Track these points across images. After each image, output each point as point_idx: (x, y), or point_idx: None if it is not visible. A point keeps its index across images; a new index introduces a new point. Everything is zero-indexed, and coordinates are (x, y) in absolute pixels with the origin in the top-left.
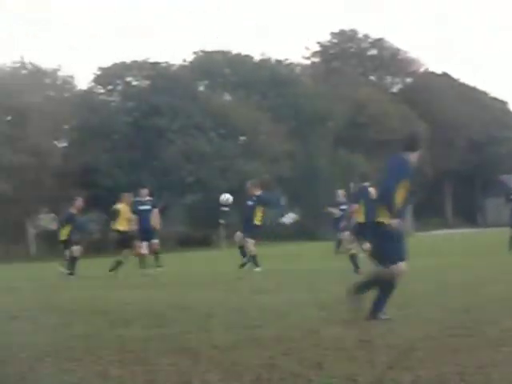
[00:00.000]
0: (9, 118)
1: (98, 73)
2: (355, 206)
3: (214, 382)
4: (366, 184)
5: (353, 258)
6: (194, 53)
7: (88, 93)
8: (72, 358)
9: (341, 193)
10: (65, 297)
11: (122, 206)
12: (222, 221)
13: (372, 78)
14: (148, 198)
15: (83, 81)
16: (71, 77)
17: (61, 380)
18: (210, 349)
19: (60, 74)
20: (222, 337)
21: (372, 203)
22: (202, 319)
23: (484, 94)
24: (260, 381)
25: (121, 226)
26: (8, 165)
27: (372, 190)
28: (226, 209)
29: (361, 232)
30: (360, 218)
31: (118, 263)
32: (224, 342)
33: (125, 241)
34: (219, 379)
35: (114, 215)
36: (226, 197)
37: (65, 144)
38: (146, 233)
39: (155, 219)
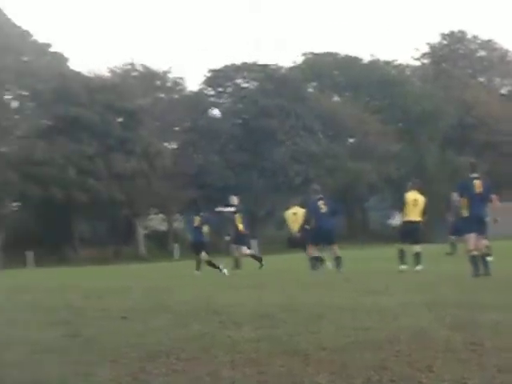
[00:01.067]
0: (120, 119)
1: (209, 75)
2: (460, 200)
3: (324, 383)
4: (474, 175)
5: (474, 259)
6: (303, 55)
7: (198, 95)
8: (183, 358)
9: (455, 195)
10: (174, 297)
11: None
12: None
13: (481, 79)
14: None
15: (193, 83)
16: (181, 79)
17: (172, 380)
18: (319, 350)
19: (170, 75)
20: (331, 338)
21: (477, 197)
22: (311, 320)
23: None
24: (370, 383)
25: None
26: (121, 171)
27: (477, 183)
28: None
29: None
30: (464, 212)
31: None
32: (334, 343)
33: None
34: (329, 381)
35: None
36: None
37: (175, 146)
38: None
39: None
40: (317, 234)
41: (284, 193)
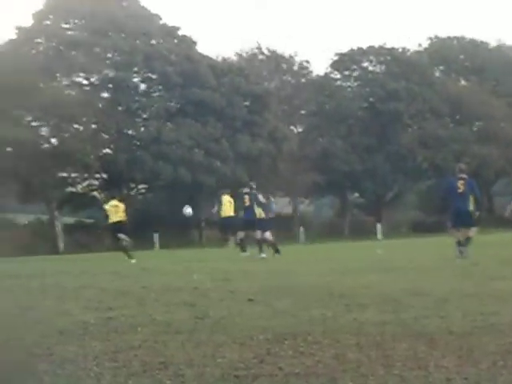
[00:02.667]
0: (247, 103)
1: (335, 58)
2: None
3: (450, 367)
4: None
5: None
6: (429, 38)
7: (324, 78)
8: (310, 341)
9: None
10: (299, 280)
11: None
12: None
13: None
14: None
15: (319, 66)
16: (307, 62)
17: (299, 363)
18: (446, 334)
19: (297, 59)
20: (458, 322)
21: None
22: (437, 305)
23: None
24: (496, 367)
25: None
26: (246, 152)
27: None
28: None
29: None
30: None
31: None
32: (460, 327)
33: None
34: (455, 365)
35: None
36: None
37: (300, 129)
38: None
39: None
40: (454, 216)
41: (410, 177)
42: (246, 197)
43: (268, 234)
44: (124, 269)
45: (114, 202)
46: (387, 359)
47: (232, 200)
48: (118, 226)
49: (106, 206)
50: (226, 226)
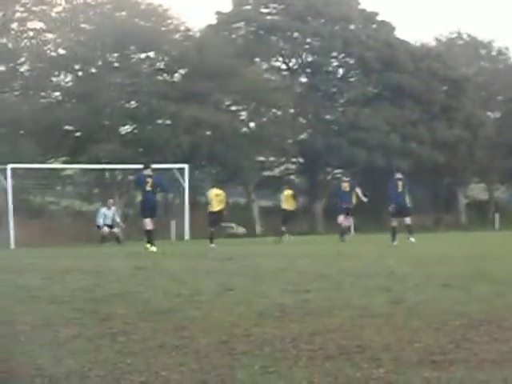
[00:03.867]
0: (444, 88)
1: None
2: None
3: None
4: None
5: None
6: None
7: None
8: (505, 327)
9: None
10: (495, 266)
11: None
12: None
13: None
14: None
15: None
16: (506, 48)
17: (493, 349)
18: None
19: (495, 45)
20: None
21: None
22: None
23: None
24: None
25: None
26: (443, 138)
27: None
28: None
29: None
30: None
31: None
32: None
33: None
34: None
35: None
36: None
37: (498, 115)
38: None
39: None
40: None
41: None
42: (400, 182)
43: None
44: (322, 252)
45: (216, 191)
46: None
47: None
48: (219, 215)
49: (209, 194)
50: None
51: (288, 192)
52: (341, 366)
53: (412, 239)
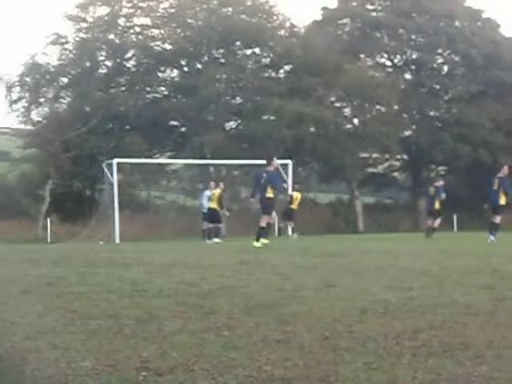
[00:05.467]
0: None
1: None
2: None
3: None
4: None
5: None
6: None
7: None
8: None
9: None
10: None
11: None
12: None
13: None
14: None
15: None
16: None
17: None
18: None
19: None
20: None
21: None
22: None
23: None
24: None
25: None
26: None
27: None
28: None
29: None
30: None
31: None
32: None
33: None
34: None
35: None
36: None
37: None
38: None
39: None
40: None
41: None
42: (496, 181)
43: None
44: (425, 250)
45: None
46: None
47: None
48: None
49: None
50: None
51: (297, 194)
52: (444, 363)
53: (491, 238)
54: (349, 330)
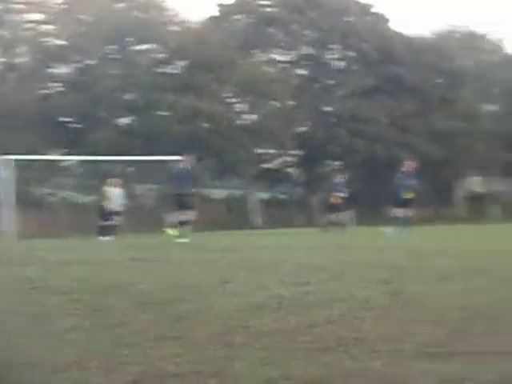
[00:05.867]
0: (441, 80)
1: None
2: None
3: None
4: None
5: None
6: None
7: None
8: (503, 320)
9: None
10: (491, 260)
11: None
12: None
13: None
14: None
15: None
16: (501, 41)
17: (494, 342)
18: None
19: (490, 38)
20: None
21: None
22: None
23: None
24: None
25: None
26: (440, 130)
27: None
28: None
29: None
30: None
31: None
32: None
33: None
34: None
35: None
36: None
37: (495, 107)
38: None
39: None
40: None
41: None
42: (400, 175)
43: None
44: (321, 245)
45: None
46: None
47: None
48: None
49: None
50: None
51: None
52: (338, 358)
53: (393, 232)
54: (244, 325)
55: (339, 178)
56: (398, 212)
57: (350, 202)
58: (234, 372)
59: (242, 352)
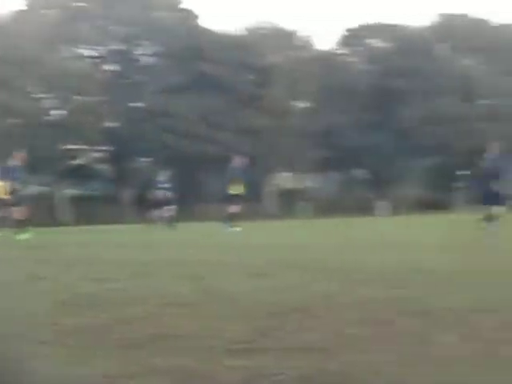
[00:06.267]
0: (251, 76)
1: (343, 34)
2: None
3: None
4: None
5: None
6: (435, 16)
7: (329, 54)
8: (314, 315)
9: None
10: (306, 255)
11: None
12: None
13: None
14: None
15: (324, 43)
16: (311, 38)
17: (305, 338)
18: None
19: (300, 34)
20: (458, 299)
21: None
22: (442, 282)
23: None
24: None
25: None
26: (250, 127)
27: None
28: None
29: None
30: None
31: None
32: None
33: None
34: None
35: None
36: None
37: (305, 104)
38: None
39: None
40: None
41: (414, 154)
42: (230, 171)
43: None
44: (132, 241)
45: None
46: (388, 335)
47: None
48: None
49: None
50: None
51: None
52: (148, 355)
53: (229, 228)
54: (52, 322)
55: (162, 175)
56: (230, 208)
57: (172, 198)
58: (36, 371)
59: (47, 350)
